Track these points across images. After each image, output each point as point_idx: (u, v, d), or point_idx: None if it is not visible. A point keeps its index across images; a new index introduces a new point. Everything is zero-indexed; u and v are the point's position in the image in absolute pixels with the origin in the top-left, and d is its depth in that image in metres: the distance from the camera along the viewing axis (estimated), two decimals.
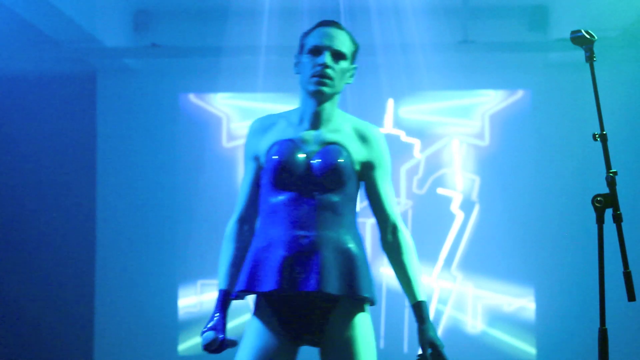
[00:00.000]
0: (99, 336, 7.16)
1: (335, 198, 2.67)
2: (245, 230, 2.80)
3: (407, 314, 6.96)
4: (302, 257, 2.61)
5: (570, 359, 6.77)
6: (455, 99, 7.16)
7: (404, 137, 7.10)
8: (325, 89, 2.68)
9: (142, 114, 7.21)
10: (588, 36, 2.64)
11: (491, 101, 7.11)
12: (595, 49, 2.67)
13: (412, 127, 7.11)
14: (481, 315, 6.99)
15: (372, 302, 2.72)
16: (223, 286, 2.77)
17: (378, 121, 7.10)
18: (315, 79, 2.67)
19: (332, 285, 2.60)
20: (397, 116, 7.12)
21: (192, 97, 7.24)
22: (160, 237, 7.14)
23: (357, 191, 2.78)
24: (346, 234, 2.69)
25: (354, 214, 2.76)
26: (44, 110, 7.20)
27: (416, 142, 7.09)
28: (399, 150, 7.08)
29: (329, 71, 2.67)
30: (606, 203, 2.54)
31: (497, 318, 7.00)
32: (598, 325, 2.54)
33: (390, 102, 7.08)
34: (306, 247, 2.62)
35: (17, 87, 7.13)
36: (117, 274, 7.15)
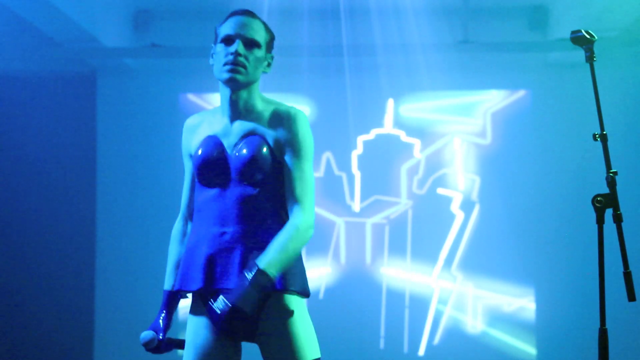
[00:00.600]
0: (99, 336, 7.16)
1: (255, 191, 2.61)
2: (189, 230, 2.82)
3: (407, 314, 6.96)
4: (223, 254, 2.59)
5: (570, 359, 6.77)
6: (457, 97, 7.16)
7: (404, 137, 7.10)
8: (239, 77, 2.63)
9: (142, 114, 7.21)
10: (588, 36, 2.65)
11: (493, 99, 7.10)
12: (595, 49, 2.67)
13: (412, 126, 7.10)
14: (481, 315, 6.99)
15: (303, 295, 2.63)
16: (168, 287, 2.80)
17: (378, 121, 7.11)
18: (227, 66, 2.63)
19: None
20: (397, 114, 7.11)
21: (192, 97, 7.24)
22: (160, 237, 7.10)
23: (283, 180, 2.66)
24: (270, 227, 2.60)
25: (282, 205, 2.65)
26: (44, 110, 7.20)
27: (416, 142, 7.09)
28: (399, 150, 7.08)
29: (241, 59, 2.63)
30: (606, 203, 2.54)
31: (497, 318, 6.99)
32: (598, 325, 2.55)
33: (390, 102, 7.07)
34: (226, 243, 2.59)
35: (17, 87, 7.14)
36: (117, 274, 7.15)
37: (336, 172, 7.06)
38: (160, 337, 2.73)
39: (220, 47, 2.70)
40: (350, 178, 7.08)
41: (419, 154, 7.09)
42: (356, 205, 7.01)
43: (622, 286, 2.53)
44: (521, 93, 7.10)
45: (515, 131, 7.06)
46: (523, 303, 6.98)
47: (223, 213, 2.62)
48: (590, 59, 2.66)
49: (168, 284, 2.81)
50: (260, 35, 2.70)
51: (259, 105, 2.71)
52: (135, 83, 7.24)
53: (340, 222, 7.01)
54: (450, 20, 6.71)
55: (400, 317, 6.94)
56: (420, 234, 7.02)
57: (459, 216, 7.04)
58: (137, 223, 7.15)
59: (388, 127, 7.10)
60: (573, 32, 2.68)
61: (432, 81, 6.84)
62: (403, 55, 6.79)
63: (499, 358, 6.94)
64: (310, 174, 2.66)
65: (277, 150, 2.64)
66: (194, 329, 2.68)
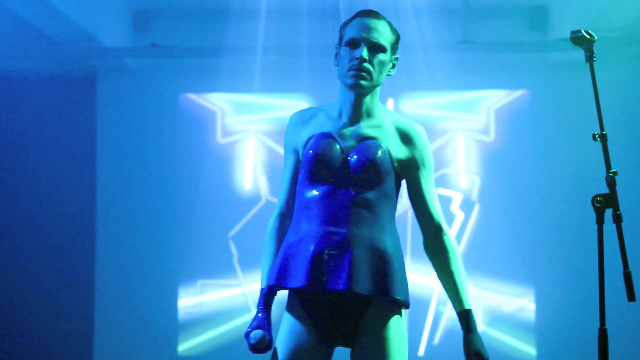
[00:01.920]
0: (99, 336, 7.16)
1: (370, 195, 2.58)
2: (286, 226, 2.71)
3: (407, 314, 6.95)
4: (333, 254, 2.51)
5: (570, 359, 6.77)
6: (457, 96, 7.16)
7: None
8: (363, 82, 2.60)
9: (142, 114, 7.21)
10: (588, 36, 2.64)
11: (495, 96, 7.10)
12: (595, 49, 2.67)
13: (418, 116, 7.08)
14: (481, 315, 6.99)
15: (405, 305, 2.61)
16: (265, 285, 2.66)
17: None
18: (352, 72, 2.60)
19: (363, 285, 2.49)
20: (398, 111, 7.11)
21: (192, 97, 7.24)
22: (160, 237, 7.14)
23: (397, 190, 2.68)
24: (381, 232, 2.58)
25: (391, 212, 2.65)
26: (44, 110, 7.20)
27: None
28: None
29: (366, 65, 2.59)
30: (606, 203, 2.54)
31: (497, 318, 6.99)
32: (598, 325, 2.54)
33: (390, 102, 7.07)
34: (338, 243, 2.52)
35: (17, 87, 7.14)
36: (117, 274, 7.15)
37: None
38: (269, 336, 2.59)
39: (344, 51, 2.65)
40: None
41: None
42: None
43: (622, 286, 2.53)
44: (521, 93, 7.10)
45: (515, 131, 7.05)
46: (523, 303, 6.98)
47: (334, 213, 2.55)
48: (590, 59, 2.65)
49: (266, 282, 2.65)
50: (386, 39, 2.66)
51: (379, 111, 2.68)
52: (135, 83, 7.24)
53: None
54: (450, 20, 6.71)
55: None
56: (420, 234, 7.01)
57: (459, 216, 7.04)
58: (137, 223, 7.15)
59: None
60: (573, 32, 2.67)
61: (432, 81, 6.84)
62: (403, 55, 6.75)
63: (499, 358, 6.94)
64: (436, 190, 2.74)
65: (397, 162, 2.63)
66: (287, 329, 2.60)
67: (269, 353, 2.64)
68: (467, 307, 2.59)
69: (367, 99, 2.65)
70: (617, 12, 6.14)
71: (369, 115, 2.66)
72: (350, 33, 2.65)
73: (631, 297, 2.53)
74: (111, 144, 7.23)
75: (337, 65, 2.69)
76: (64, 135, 7.23)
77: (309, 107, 2.81)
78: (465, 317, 2.59)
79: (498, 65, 7.04)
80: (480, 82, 7.09)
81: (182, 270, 7.13)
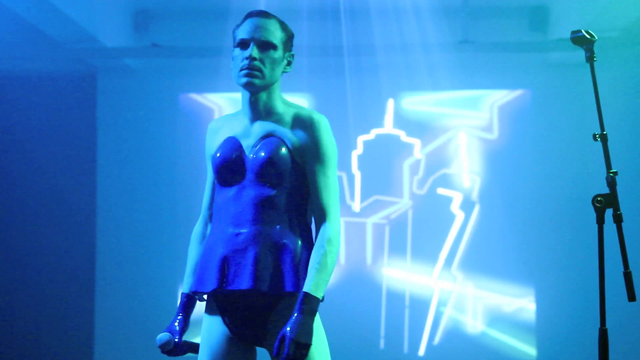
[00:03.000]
0: (99, 336, 7.16)
1: (273, 192, 2.60)
2: (208, 232, 2.78)
3: (407, 314, 6.96)
4: (238, 255, 2.56)
5: (570, 359, 6.77)
6: (457, 95, 7.16)
7: (404, 137, 7.09)
8: (255, 81, 2.62)
9: (142, 114, 7.21)
10: (588, 36, 2.65)
11: (495, 96, 7.10)
12: (596, 49, 2.67)
13: (415, 119, 7.08)
14: (481, 315, 6.99)
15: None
16: (185, 289, 2.79)
17: (378, 121, 7.10)
18: (243, 72, 2.63)
19: (266, 282, 2.53)
20: (399, 107, 7.09)
21: (192, 97, 7.24)
22: (160, 236, 7.14)
23: (305, 184, 2.65)
24: (285, 228, 2.58)
25: (300, 207, 2.64)
26: (45, 110, 7.20)
27: (416, 142, 7.08)
28: (399, 150, 7.07)
29: (256, 63, 2.61)
30: (606, 203, 2.54)
31: (497, 318, 6.99)
32: (598, 325, 2.54)
33: (390, 102, 7.07)
34: (241, 243, 2.57)
35: (17, 87, 7.13)
36: (117, 274, 7.15)
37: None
38: (177, 340, 2.72)
39: (237, 52, 2.69)
40: (350, 178, 7.08)
41: (419, 154, 7.08)
42: (356, 206, 7.00)
43: (622, 286, 2.53)
44: (521, 93, 7.09)
45: (515, 131, 7.05)
46: (523, 303, 6.98)
47: (239, 214, 2.60)
48: (590, 59, 2.65)
49: (186, 286, 2.79)
50: (276, 36, 2.67)
51: (280, 107, 2.70)
52: (135, 83, 7.24)
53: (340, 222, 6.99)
54: (450, 20, 6.71)
55: (400, 317, 6.94)
56: (421, 234, 7.02)
57: (459, 216, 7.04)
58: (137, 223, 7.15)
59: (388, 127, 7.10)
60: (573, 32, 2.67)
61: (432, 81, 6.84)
62: (403, 55, 6.79)
63: (499, 358, 6.94)
64: (334, 181, 2.66)
65: (297, 154, 2.64)
66: (208, 330, 2.68)
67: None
68: (306, 289, 2.48)
69: (264, 97, 2.68)
70: (617, 12, 6.14)
71: (268, 112, 2.69)
72: (241, 34, 2.69)
73: (631, 297, 2.53)
74: (111, 143, 7.24)
75: (232, 68, 2.73)
76: (64, 135, 7.23)
77: (225, 115, 2.88)
78: (301, 299, 2.48)
79: (498, 65, 7.04)
80: (480, 82, 7.09)
81: (182, 270, 7.08)
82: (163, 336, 2.72)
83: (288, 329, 2.44)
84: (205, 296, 2.75)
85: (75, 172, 7.24)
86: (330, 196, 2.63)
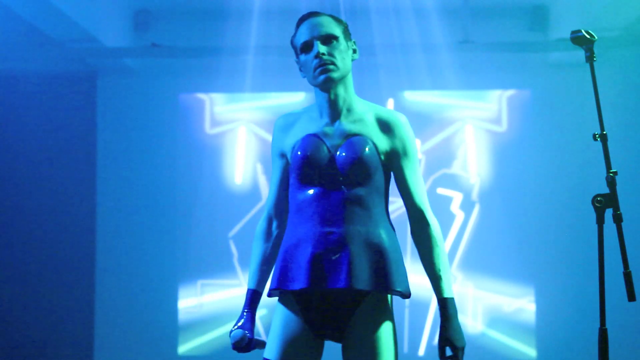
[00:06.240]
0: (99, 336, 7.16)
1: (362, 191, 2.62)
2: (274, 229, 2.78)
3: (407, 314, 6.96)
4: (331, 254, 2.57)
5: (571, 359, 6.77)
6: (458, 94, 7.15)
7: None
8: (332, 74, 2.62)
9: (142, 114, 7.21)
10: (588, 36, 2.64)
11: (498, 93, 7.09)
12: (595, 49, 2.67)
13: (419, 111, 7.06)
14: (481, 315, 6.99)
15: (405, 295, 2.64)
16: (252, 285, 2.76)
17: None
18: (318, 69, 2.62)
19: (362, 280, 2.55)
20: (403, 99, 7.08)
21: (192, 97, 7.24)
22: (160, 236, 7.14)
23: (387, 183, 2.71)
24: (376, 227, 2.62)
25: (384, 206, 2.69)
26: (45, 110, 7.20)
27: (416, 142, 7.08)
28: None
29: (326, 57, 2.62)
30: (606, 203, 2.54)
31: (497, 319, 6.99)
32: (598, 325, 2.54)
33: (390, 102, 7.07)
34: (334, 243, 2.57)
35: (17, 87, 7.14)
36: (117, 274, 7.15)
37: None
38: (249, 336, 2.69)
39: (303, 57, 2.69)
40: None
41: (419, 154, 7.08)
42: None
43: (622, 286, 2.53)
44: (521, 93, 7.09)
45: (515, 131, 7.06)
46: (523, 303, 6.98)
47: (329, 213, 2.60)
48: (590, 59, 2.65)
49: (252, 282, 2.77)
50: (333, 28, 2.68)
51: (359, 105, 2.71)
52: (135, 83, 7.24)
53: None
54: (450, 20, 6.71)
55: (400, 317, 6.94)
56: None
57: (459, 216, 7.04)
58: (137, 223, 7.16)
59: None
60: (573, 32, 2.67)
61: (432, 81, 6.84)
62: (403, 55, 6.79)
63: (499, 358, 6.94)
64: (421, 178, 2.73)
65: (383, 153, 2.66)
66: (283, 322, 2.65)
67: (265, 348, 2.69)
68: (445, 295, 2.59)
69: (342, 93, 2.67)
70: (617, 12, 6.15)
71: (348, 110, 2.69)
72: (300, 39, 2.70)
73: (631, 297, 2.53)
74: (111, 143, 7.24)
75: (304, 77, 2.73)
76: (64, 135, 7.23)
77: (292, 112, 2.84)
78: (443, 305, 2.59)
79: (498, 65, 7.04)
80: (480, 82, 7.09)
81: (183, 271, 7.13)
82: (237, 333, 2.69)
83: (450, 334, 2.55)
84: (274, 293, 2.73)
85: (75, 172, 7.24)
86: (423, 193, 2.71)
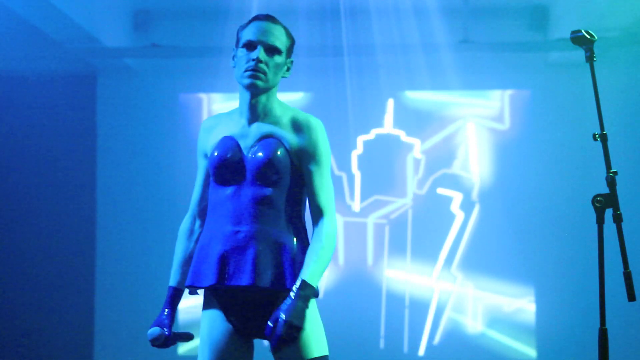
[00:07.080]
0: (99, 336, 7.16)
1: (272, 192, 2.69)
2: (196, 227, 2.89)
3: (407, 314, 6.96)
4: (237, 252, 2.66)
5: (570, 359, 6.76)
6: (458, 95, 7.15)
7: (404, 137, 7.10)
8: (259, 83, 2.69)
9: (142, 114, 7.21)
10: (588, 36, 2.65)
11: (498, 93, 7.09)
12: (595, 49, 2.67)
13: (420, 109, 7.06)
14: (481, 315, 6.99)
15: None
16: (173, 283, 2.91)
17: (378, 121, 7.11)
18: (248, 72, 2.69)
19: (265, 279, 2.62)
20: (404, 97, 7.08)
21: (192, 97, 7.24)
22: (160, 236, 7.13)
23: (301, 185, 2.75)
24: (284, 228, 2.68)
25: (296, 207, 2.74)
26: (44, 110, 7.20)
27: (416, 142, 7.09)
28: (399, 150, 7.07)
29: (261, 66, 2.68)
30: (606, 203, 2.54)
31: (497, 319, 6.99)
32: (598, 325, 2.54)
33: (390, 102, 7.07)
34: (241, 241, 2.66)
35: (17, 87, 7.14)
36: (117, 274, 7.15)
37: (336, 172, 7.06)
38: (167, 333, 2.82)
39: (241, 52, 2.74)
40: (350, 178, 7.08)
41: (419, 153, 7.09)
42: (356, 205, 7.00)
43: (622, 286, 2.53)
44: (521, 93, 7.09)
45: (515, 131, 7.05)
46: (523, 303, 6.98)
47: (238, 212, 2.69)
48: (590, 59, 2.66)
49: (173, 280, 2.91)
50: (281, 42, 2.75)
51: (277, 109, 2.77)
52: (135, 83, 7.24)
53: (340, 222, 7.01)
54: (450, 20, 6.71)
55: (400, 317, 6.94)
56: (420, 234, 7.02)
57: (459, 216, 7.04)
58: (137, 222, 7.16)
59: (388, 127, 7.10)
60: (573, 32, 2.68)
61: (432, 81, 6.84)
62: (403, 55, 6.79)
63: (499, 359, 6.94)
64: (329, 182, 2.77)
65: (295, 155, 2.72)
66: (209, 324, 2.78)
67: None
68: (305, 278, 2.59)
69: (263, 99, 2.75)
70: (617, 12, 6.15)
71: (266, 114, 2.76)
72: (247, 35, 2.74)
73: (631, 297, 2.53)
74: (111, 143, 7.24)
75: (234, 67, 2.78)
76: (64, 135, 7.23)
77: (218, 114, 2.94)
78: (299, 285, 2.58)
79: (498, 65, 7.04)
80: (480, 82, 7.09)
81: None
82: (154, 331, 2.81)
83: (282, 310, 2.55)
84: (199, 291, 2.84)
85: (75, 172, 7.24)
86: (327, 196, 2.74)
